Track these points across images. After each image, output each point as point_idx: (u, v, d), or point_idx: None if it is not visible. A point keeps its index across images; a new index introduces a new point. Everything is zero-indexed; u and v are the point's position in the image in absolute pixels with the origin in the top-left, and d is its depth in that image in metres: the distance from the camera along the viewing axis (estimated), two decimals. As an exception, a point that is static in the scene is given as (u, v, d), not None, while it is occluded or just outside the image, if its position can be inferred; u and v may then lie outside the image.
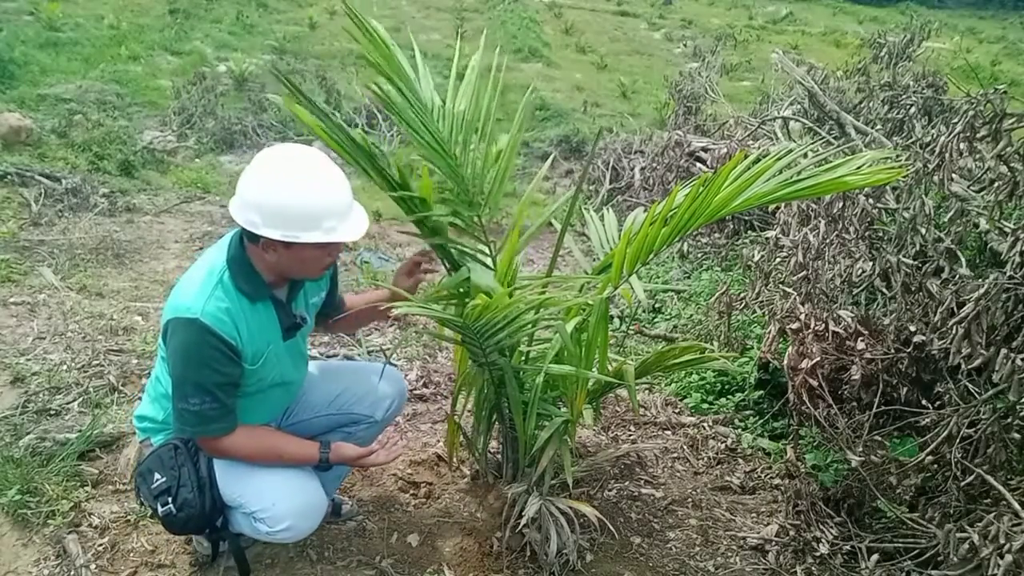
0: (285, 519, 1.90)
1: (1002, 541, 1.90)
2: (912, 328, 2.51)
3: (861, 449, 2.36)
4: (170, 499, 1.89)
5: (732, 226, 4.95)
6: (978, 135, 2.53)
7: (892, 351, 2.53)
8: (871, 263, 2.82)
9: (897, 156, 2.66)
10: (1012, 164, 2.41)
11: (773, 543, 2.40)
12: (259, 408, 2.01)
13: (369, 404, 2.24)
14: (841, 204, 3.02)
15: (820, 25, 17.56)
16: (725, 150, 5.25)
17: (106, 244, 4.40)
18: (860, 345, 2.55)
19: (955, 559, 1.99)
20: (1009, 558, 1.85)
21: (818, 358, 2.57)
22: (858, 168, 1.95)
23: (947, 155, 2.56)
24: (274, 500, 1.91)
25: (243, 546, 2.08)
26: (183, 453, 1.94)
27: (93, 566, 2.10)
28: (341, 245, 1.87)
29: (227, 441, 1.88)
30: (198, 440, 1.93)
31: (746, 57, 12.91)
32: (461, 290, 2.08)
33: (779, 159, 2.05)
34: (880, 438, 2.44)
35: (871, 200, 2.93)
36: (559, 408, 2.27)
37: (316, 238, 1.72)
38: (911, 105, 3.67)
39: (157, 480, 1.90)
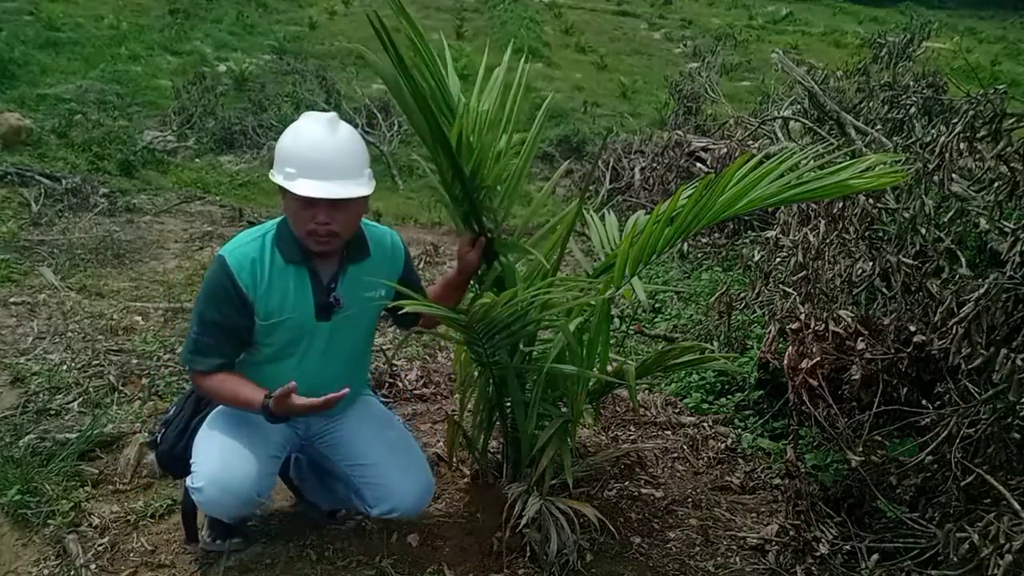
0: (201, 479, 1.92)
1: (1002, 541, 1.90)
2: (912, 328, 2.51)
3: (861, 449, 2.36)
4: (164, 429, 2.10)
5: (732, 226, 4.96)
6: (978, 135, 2.53)
7: (892, 351, 2.52)
8: (871, 263, 2.82)
9: (897, 158, 2.66)
10: (1012, 164, 2.41)
11: (773, 543, 2.40)
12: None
13: (377, 498, 2.08)
14: (841, 204, 3.02)
15: (820, 25, 17.57)
16: (725, 150, 5.26)
17: (106, 244, 4.40)
18: (860, 345, 2.55)
19: (955, 559, 1.99)
20: (1009, 558, 1.85)
21: (818, 358, 2.57)
22: (862, 171, 1.95)
23: (947, 155, 2.56)
24: (204, 460, 1.94)
25: (191, 511, 2.13)
26: (191, 402, 2.10)
27: (93, 566, 2.10)
28: (321, 209, 1.79)
29: (206, 381, 1.94)
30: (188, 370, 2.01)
31: (746, 57, 12.93)
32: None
33: (783, 162, 2.05)
34: (880, 438, 2.43)
35: (871, 200, 2.93)
36: (559, 408, 2.27)
37: (275, 179, 1.82)
38: (911, 105, 3.67)
39: (170, 412, 2.14)
